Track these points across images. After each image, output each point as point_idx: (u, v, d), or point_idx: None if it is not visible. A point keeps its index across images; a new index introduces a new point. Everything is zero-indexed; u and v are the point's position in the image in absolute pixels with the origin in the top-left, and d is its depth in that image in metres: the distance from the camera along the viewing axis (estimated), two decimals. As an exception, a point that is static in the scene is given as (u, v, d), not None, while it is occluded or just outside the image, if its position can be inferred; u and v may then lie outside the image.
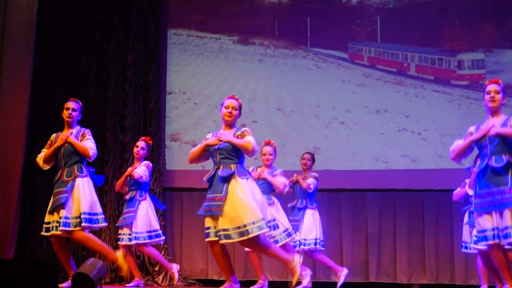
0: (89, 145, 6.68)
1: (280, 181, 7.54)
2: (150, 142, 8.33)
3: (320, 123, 9.38)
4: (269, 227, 5.85)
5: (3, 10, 9.10)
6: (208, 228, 5.74)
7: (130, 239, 7.94)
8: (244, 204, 5.62)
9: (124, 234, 8.02)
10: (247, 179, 5.75)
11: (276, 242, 7.23)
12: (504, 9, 9.22)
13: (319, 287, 8.25)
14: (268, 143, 7.68)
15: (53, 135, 6.94)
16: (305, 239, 7.85)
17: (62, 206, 6.50)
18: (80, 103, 6.98)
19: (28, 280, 4.63)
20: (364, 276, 9.04)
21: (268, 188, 7.54)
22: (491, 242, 5.57)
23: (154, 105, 9.55)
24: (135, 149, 8.15)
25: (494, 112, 5.79)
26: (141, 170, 7.96)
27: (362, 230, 9.16)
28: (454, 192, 7.53)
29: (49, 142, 6.90)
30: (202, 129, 9.26)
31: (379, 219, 9.13)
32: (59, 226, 6.49)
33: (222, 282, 6.05)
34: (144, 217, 7.92)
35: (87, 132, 6.80)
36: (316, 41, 9.61)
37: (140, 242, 7.91)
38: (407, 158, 9.12)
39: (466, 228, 7.41)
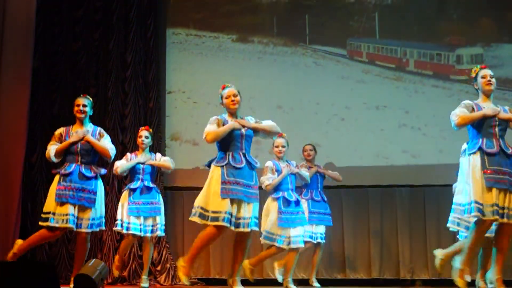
0: (109, 145, 6.72)
1: (307, 174, 7.72)
2: (150, 130, 8.18)
3: (320, 120, 9.38)
4: None
5: (1, 11, 9.11)
6: (224, 212, 5.69)
7: (153, 231, 7.68)
8: None
9: (148, 226, 7.67)
10: None
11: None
12: (502, 3, 9.23)
13: (321, 283, 8.25)
14: (280, 136, 7.64)
15: (62, 129, 6.75)
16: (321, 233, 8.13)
17: (92, 206, 6.55)
18: (91, 99, 6.89)
19: (29, 281, 4.64)
20: (366, 272, 9.05)
21: (295, 183, 7.60)
22: (490, 218, 5.58)
23: (154, 104, 9.56)
24: (139, 139, 7.86)
25: (489, 96, 5.89)
26: (171, 160, 7.90)
27: (364, 226, 9.16)
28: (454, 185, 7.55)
29: (57, 135, 6.71)
30: (202, 128, 9.19)
31: (380, 215, 9.14)
32: (89, 226, 6.53)
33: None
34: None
35: (103, 131, 6.80)
36: (314, 38, 9.61)
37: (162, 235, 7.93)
38: (407, 153, 9.12)
39: None
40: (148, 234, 7.63)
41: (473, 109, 5.88)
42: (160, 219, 7.71)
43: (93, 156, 6.71)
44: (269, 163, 7.62)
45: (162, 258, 9.07)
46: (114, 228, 7.81)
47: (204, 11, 10.05)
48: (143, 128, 8.04)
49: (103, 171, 6.72)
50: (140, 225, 7.57)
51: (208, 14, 10.02)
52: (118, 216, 7.68)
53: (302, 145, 8.59)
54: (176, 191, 9.58)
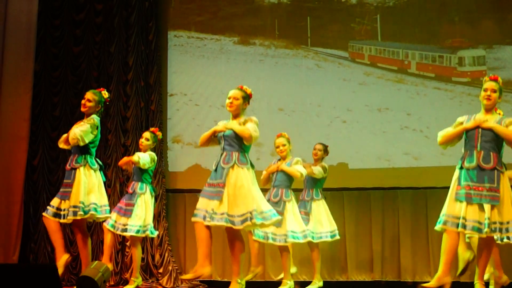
0: (74, 130, 6.69)
1: (296, 169, 7.53)
2: (159, 133, 8.16)
3: (321, 122, 9.38)
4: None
5: (3, 14, 9.12)
6: (200, 209, 5.88)
7: (123, 230, 7.68)
8: (245, 192, 5.80)
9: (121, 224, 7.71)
10: (247, 168, 5.89)
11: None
12: (504, 5, 9.21)
13: (323, 285, 8.24)
14: (280, 135, 7.67)
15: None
16: (314, 232, 7.85)
17: (67, 196, 6.62)
18: (103, 95, 6.92)
19: (32, 283, 4.64)
20: (368, 274, 9.04)
21: (286, 181, 7.53)
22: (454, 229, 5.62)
23: (156, 107, 9.56)
24: (140, 140, 8.02)
25: (488, 110, 5.82)
26: (142, 155, 7.81)
27: (366, 229, 9.15)
28: None
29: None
30: (204, 130, 9.19)
31: (382, 217, 9.13)
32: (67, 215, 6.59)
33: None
34: (142, 210, 7.73)
35: (92, 118, 6.77)
36: (316, 41, 9.61)
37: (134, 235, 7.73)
38: (409, 156, 9.11)
39: None
40: (118, 232, 7.77)
41: (461, 124, 5.86)
42: (131, 221, 7.64)
43: (79, 147, 6.73)
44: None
45: (164, 260, 9.07)
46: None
47: (206, 13, 10.04)
48: (151, 129, 8.10)
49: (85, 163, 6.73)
50: (115, 222, 7.69)
51: (210, 17, 10.02)
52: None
53: (303, 147, 8.60)
54: (177, 194, 9.57)
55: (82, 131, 6.60)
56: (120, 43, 9.71)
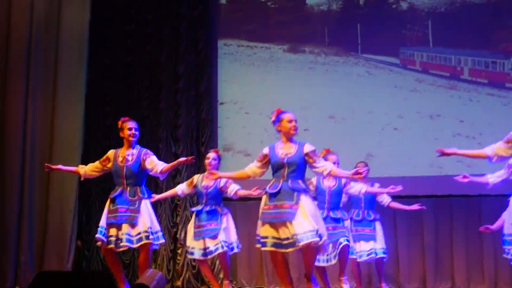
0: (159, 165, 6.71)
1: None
2: (220, 153, 7.99)
3: (373, 129, 9.31)
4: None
5: (56, 25, 9.28)
6: (266, 237, 5.71)
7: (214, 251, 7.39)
8: (313, 213, 5.72)
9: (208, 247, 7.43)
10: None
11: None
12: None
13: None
14: None
15: (111, 152, 6.81)
16: (379, 249, 7.87)
17: (133, 224, 6.54)
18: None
19: (88, 291, 4.69)
20: (421, 283, 8.94)
21: None
22: None
23: (206, 115, 9.60)
24: (207, 161, 7.57)
25: None
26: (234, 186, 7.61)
27: (418, 237, 9.05)
28: None
29: (105, 157, 6.80)
30: (254, 139, 9.29)
31: (435, 226, 9.02)
32: (133, 242, 6.52)
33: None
34: (230, 228, 7.59)
35: (148, 151, 6.77)
36: (366, 47, 9.55)
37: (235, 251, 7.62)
38: (462, 163, 8.95)
39: None
40: (210, 256, 7.45)
41: None
42: (231, 238, 7.52)
43: (139, 178, 6.70)
44: None
45: (215, 269, 9.06)
46: (189, 257, 7.80)
47: (255, 22, 10.06)
48: (212, 150, 7.84)
49: (147, 195, 6.69)
50: (205, 249, 7.41)
51: (259, 25, 10.04)
52: (188, 243, 7.59)
53: (354, 155, 8.54)
54: (227, 202, 9.56)
55: None
56: (170, 53, 9.79)
